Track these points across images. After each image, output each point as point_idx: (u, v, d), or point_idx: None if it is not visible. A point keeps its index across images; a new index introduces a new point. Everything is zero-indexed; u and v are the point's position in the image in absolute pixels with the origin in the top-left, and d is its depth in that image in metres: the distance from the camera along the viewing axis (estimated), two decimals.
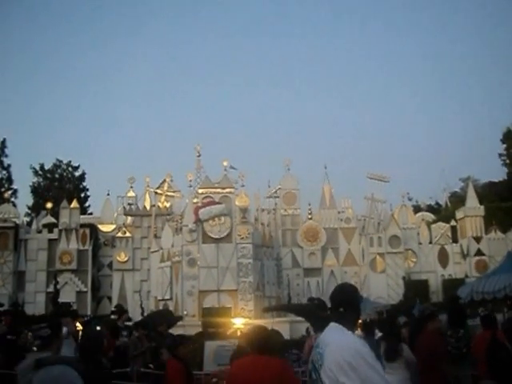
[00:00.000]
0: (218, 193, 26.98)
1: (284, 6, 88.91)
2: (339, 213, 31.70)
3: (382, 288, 29.76)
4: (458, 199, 38.85)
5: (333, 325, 3.52)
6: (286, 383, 4.51)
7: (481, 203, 32.33)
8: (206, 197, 26.94)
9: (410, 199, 39.61)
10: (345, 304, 3.58)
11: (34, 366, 4.71)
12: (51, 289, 29.46)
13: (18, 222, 32.30)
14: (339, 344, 3.34)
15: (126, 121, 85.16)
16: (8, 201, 37.10)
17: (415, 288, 28.55)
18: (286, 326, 21.87)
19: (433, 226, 32.70)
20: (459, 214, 32.25)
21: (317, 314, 8.95)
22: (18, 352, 10.15)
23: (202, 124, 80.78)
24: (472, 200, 32.25)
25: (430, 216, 35.42)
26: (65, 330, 10.68)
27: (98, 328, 10.21)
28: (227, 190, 27.09)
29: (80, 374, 4.44)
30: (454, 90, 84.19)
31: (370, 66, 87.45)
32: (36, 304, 29.73)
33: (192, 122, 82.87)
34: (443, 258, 31.54)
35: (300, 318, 22.02)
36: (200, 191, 27.36)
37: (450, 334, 9.02)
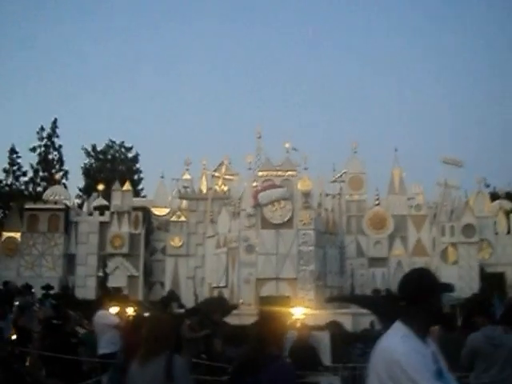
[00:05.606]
0: (279, 176, 26.23)
1: None
2: (409, 199, 30.47)
3: (454, 281, 27.94)
4: None
5: (396, 324, 3.11)
6: None
7: None
8: (266, 180, 26.23)
9: (487, 186, 37.50)
10: (407, 296, 3.08)
11: None
12: (102, 273, 29.41)
13: (68, 204, 32.19)
14: (380, 351, 3.02)
15: (183, 100, 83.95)
16: (59, 182, 38.17)
17: (490, 281, 27.22)
18: (348, 318, 21.60)
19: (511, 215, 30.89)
20: None
21: (384, 306, 8.34)
22: (65, 338, 10.71)
23: (263, 104, 78.72)
24: None
25: (509, 204, 33.36)
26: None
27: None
28: (289, 173, 26.27)
29: None
30: None
31: (443, 45, 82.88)
32: (86, 288, 29.71)
33: (252, 102, 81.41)
34: None
35: (364, 311, 21.10)
36: (260, 174, 26.64)
37: None
